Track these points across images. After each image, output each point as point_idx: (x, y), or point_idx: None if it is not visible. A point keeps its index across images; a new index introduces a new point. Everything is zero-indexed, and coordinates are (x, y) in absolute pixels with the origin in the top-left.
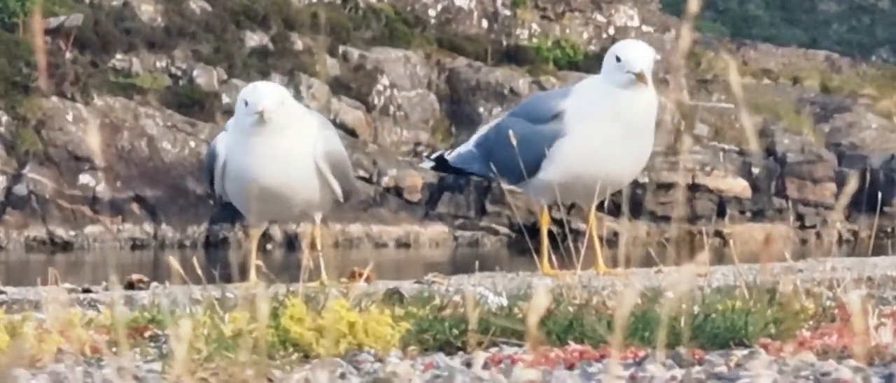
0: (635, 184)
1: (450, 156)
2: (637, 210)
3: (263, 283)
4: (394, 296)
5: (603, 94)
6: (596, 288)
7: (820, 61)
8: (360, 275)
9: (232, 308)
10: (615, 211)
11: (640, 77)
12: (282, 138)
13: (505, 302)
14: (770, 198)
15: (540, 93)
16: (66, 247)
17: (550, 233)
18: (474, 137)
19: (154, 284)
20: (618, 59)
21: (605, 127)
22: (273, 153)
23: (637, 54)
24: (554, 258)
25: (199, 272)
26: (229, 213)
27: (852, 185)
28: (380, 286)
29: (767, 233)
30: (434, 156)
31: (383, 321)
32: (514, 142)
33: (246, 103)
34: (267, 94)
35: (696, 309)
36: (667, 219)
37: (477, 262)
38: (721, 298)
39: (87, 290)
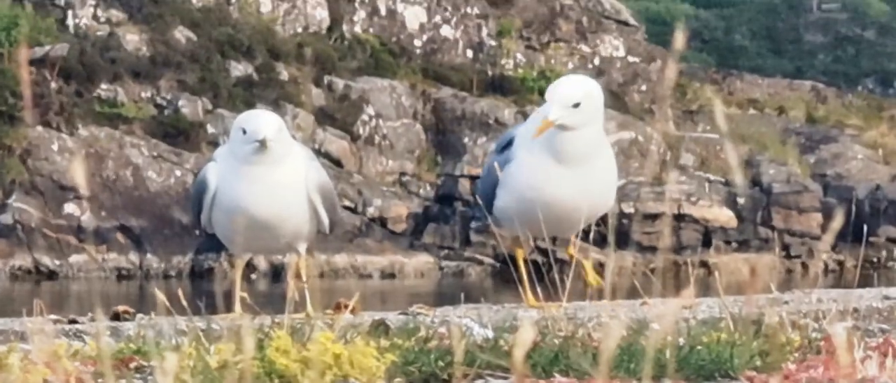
0: (621, 214)
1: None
2: (623, 240)
3: (249, 315)
4: (379, 328)
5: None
6: (582, 320)
7: (805, 91)
8: (346, 306)
9: (217, 339)
10: (601, 242)
11: (545, 123)
12: (276, 169)
13: (490, 334)
14: (756, 228)
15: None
16: (52, 276)
17: (535, 263)
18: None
19: (140, 316)
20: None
21: (541, 155)
22: (267, 184)
23: (550, 98)
24: (539, 289)
25: (185, 303)
26: (215, 243)
27: (838, 221)
28: (365, 317)
29: (753, 265)
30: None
31: (369, 353)
32: (484, 175)
33: (244, 131)
34: (267, 121)
35: (681, 341)
36: (653, 249)
37: (462, 294)
38: (706, 330)
39: (72, 321)
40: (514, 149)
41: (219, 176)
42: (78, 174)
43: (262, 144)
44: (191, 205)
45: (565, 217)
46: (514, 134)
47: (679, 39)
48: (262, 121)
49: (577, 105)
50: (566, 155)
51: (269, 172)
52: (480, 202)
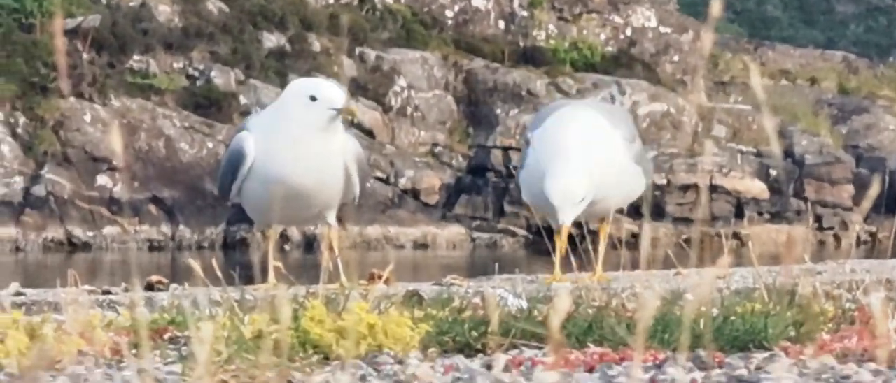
0: (654, 186)
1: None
2: (656, 212)
3: (283, 285)
4: (413, 298)
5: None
6: (615, 290)
7: (837, 62)
8: (379, 276)
9: (251, 309)
10: (634, 213)
11: (564, 231)
12: (320, 138)
13: (524, 304)
14: (788, 200)
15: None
16: (84, 247)
17: (569, 234)
18: None
19: (173, 286)
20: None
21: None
22: (315, 152)
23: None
24: (572, 259)
25: (219, 273)
26: (247, 214)
27: (875, 190)
28: (399, 288)
29: (788, 235)
30: None
31: (403, 323)
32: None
33: (313, 98)
34: (340, 90)
35: (715, 311)
36: (685, 220)
37: (496, 265)
38: (741, 301)
39: (106, 292)
40: (528, 150)
41: (257, 144)
42: (115, 143)
43: (340, 113)
44: (221, 175)
45: (587, 214)
46: (532, 133)
47: (716, 7)
48: (335, 89)
49: (582, 199)
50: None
51: (320, 141)
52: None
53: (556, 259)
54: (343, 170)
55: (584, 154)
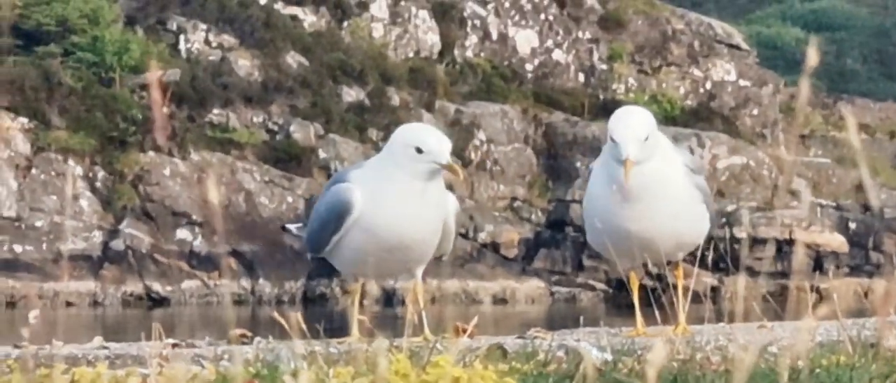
0: (732, 238)
1: None
2: (735, 264)
3: (366, 338)
4: (497, 351)
5: (605, 166)
6: (700, 344)
7: None
8: (464, 330)
9: (335, 363)
10: (714, 266)
11: (625, 164)
12: (425, 190)
13: (609, 357)
14: (867, 253)
15: None
16: (163, 302)
17: (649, 287)
18: None
19: (257, 339)
20: (612, 139)
21: (607, 190)
22: (418, 205)
23: (623, 136)
24: (657, 312)
25: (303, 327)
26: (327, 269)
27: None
28: (482, 341)
29: (885, 287)
30: None
31: (488, 376)
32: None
33: (419, 150)
34: (447, 144)
35: (800, 363)
36: (768, 274)
37: (581, 317)
38: (825, 353)
39: (190, 345)
40: (590, 181)
41: (364, 196)
42: (213, 195)
43: (443, 167)
44: (319, 227)
45: (641, 247)
46: (592, 166)
47: (812, 57)
48: (441, 142)
49: (646, 139)
50: (630, 191)
51: (425, 193)
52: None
53: (636, 309)
54: (442, 224)
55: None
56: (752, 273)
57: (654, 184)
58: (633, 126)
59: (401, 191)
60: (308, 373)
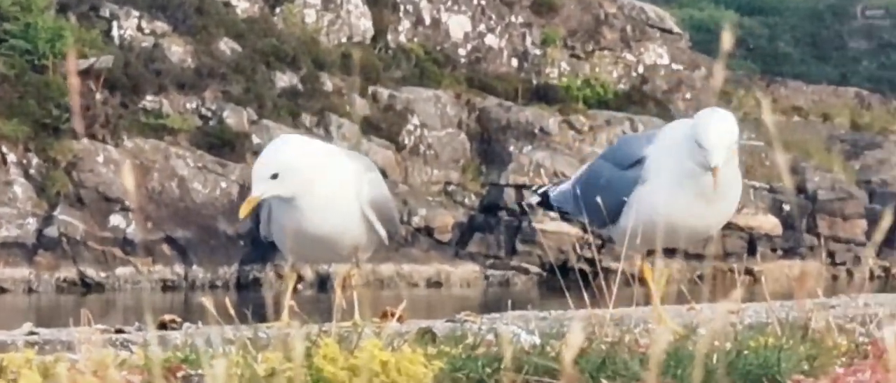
0: None
1: (552, 192)
2: (667, 248)
3: (296, 323)
4: (426, 335)
5: (679, 164)
6: (628, 326)
7: (850, 98)
8: (393, 314)
9: (265, 348)
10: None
11: (715, 172)
12: (326, 186)
13: (538, 340)
14: (801, 236)
15: (627, 136)
16: (97, 288)
17: (582, 271)
18: (574, 176)
19: (187, 325)
20: (698, 145)
21: (681, 186)
22: (318, 202)
23: (713, 144)
24: (586, 295)
25: (232, 312)
26: (260, 254)
27: (888, 220)
28: (412, 325)
29: (801, 269)
30: (540, 191)
31: (416, 360)
32: (600, 185)
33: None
34: (255, 174)
35: (728, 345)
36: (698, 256)
37: (509, 301)
38: (754, 335)
39: (119, 331)
40: (647, 171)
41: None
42: (127, 182)
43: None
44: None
45: (690, 239)
46: (643, 154)
47: (727, 40)
48: (253, 173)
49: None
50: (712, 193)
51: (317, 191)
52: (584, 208)
53: (655, 300)
54: (360, 215)
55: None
56: (686, 255)
57: (728, 185)
58: (723, 134)
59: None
60: (232, 357)
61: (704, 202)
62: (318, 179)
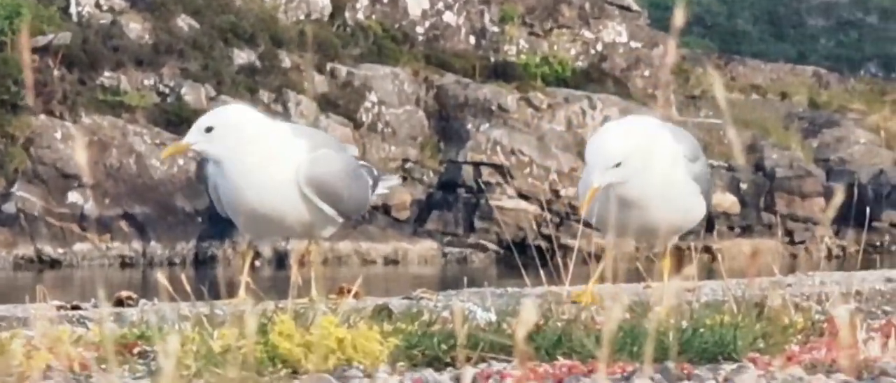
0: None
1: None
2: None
3: (252, 300)
4: (382, 312)
5: None
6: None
7: (808, 76)
8: (349, 291)
9: (221, 324)
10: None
11: (591, 192)
12: (254, 155)
13: (493, 317)
14: (759, 214)
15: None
16: (55, 264)
17: (539, 249)
18: None
19: (143, 301)
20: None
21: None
22: (244, 169)
23: (591, 163)
24: (542, 273)
25: (188, 288)
26: (218, 231)
27: (839, 197)
28: (368, 302)
29: (755, 247)
30: None
31: (372, 337)
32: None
33: (208, 129)
34: (195, 124)
35: (684, 323)
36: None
37: (466, 279)
38: (709, 313)
39: (75, 307)
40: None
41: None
42: (81, 161)
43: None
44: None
45: (638, 238)
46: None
47: (679, 17)
48: (201, 121)
49: (618, 165)
50: (624, 202)
51: (249, 167)
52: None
53: (592, 280)
54: (298, 194)
55: (634, 127)
56: None
57: (641, 197)
58: (603, 153)
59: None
60: (187, 334)
61: (627, 208)
62: (249, 147)
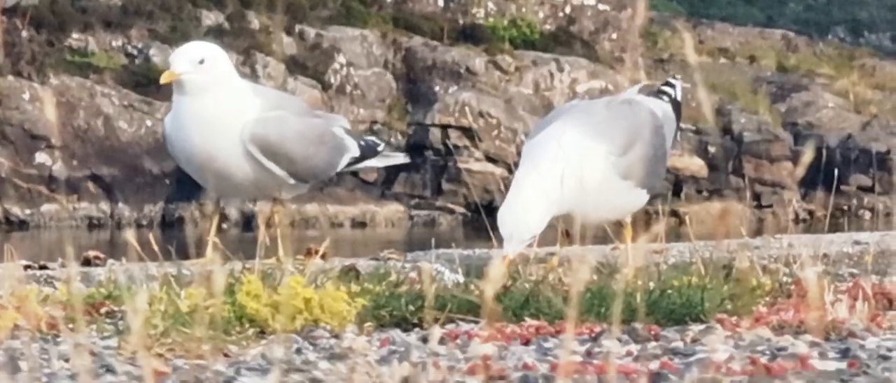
0: None
1: None
2: None
3: (219, 260)
4: (350, 273)
5: None
6: (551, 265)
7: (776, 40)
8: (316, 251)
9: (188, 284)
10: None
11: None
12: (205, 111)
13: (461, 278)
14: (727, 178)
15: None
16: (22, 225)
17: None
18: None
19: (111, 261)
20: None
21: None
22: (198, 128)
23: (506, 236)
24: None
25: (156, 249)
26: (185, 193)
27: (809, 155)
28: (336, 263)
29: (722, 207)
30: None
31: (339, 297)
32: None
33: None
34: (181, 53)
35: (652, 285)
36: None
37: (433, 241)
38: (677, 274)
39: (43, 267)
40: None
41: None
42: (50, 120)
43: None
44: None
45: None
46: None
47: None
48: (178, 54)
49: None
50: (562, 215)
51: (196, 117)
52: None
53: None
54: (243, 152)
55: (548, 186)
56: None
57: (573, 211)
58: (515, 231)
59: (174, 113)
60: (155, 293)
61: (567, 216)
62: (220, 89)
